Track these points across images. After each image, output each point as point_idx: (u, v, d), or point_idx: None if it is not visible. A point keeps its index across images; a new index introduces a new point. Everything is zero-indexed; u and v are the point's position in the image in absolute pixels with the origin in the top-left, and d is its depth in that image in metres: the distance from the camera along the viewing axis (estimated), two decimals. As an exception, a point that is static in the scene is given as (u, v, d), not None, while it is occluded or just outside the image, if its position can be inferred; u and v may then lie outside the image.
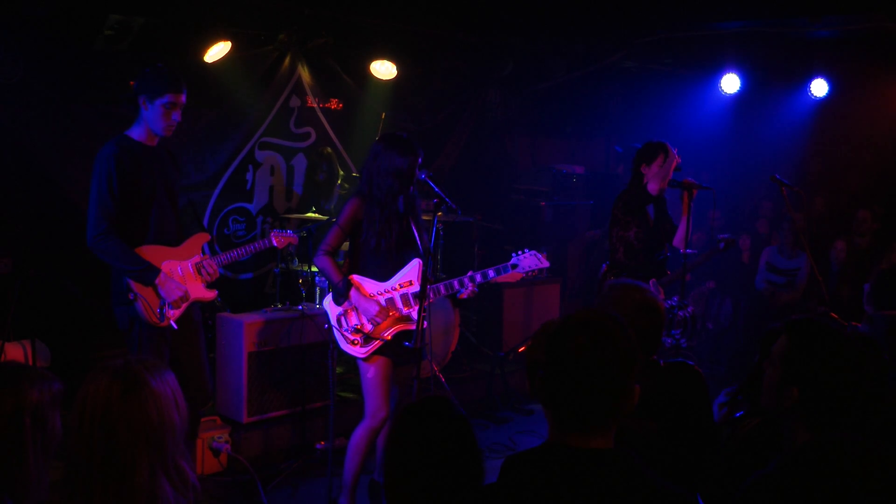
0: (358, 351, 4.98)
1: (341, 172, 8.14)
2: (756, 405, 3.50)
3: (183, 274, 4.93)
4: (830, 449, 1.99)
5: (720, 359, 8.92)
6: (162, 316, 4.74)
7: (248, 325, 6.24)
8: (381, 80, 8.50)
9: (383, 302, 4.97)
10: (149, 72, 4.77)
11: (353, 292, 4.96)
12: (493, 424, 7.38)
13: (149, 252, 4.80)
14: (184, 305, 4.84)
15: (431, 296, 4.84)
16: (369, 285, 5.01)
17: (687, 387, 3.34)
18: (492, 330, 8.49)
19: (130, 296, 4.70)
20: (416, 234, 5.07)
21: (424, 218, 5.36)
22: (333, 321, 5.06)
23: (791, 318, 2.75)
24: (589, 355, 2.15)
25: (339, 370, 6.94)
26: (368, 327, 4.96)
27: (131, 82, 4.80)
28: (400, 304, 4.98)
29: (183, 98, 4.80)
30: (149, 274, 4.71)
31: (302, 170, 8.43)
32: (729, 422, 3.49)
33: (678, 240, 6.44)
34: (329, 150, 8.22)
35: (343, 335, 5.02)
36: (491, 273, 4.94)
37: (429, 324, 5.86)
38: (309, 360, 6.44)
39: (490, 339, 8.44)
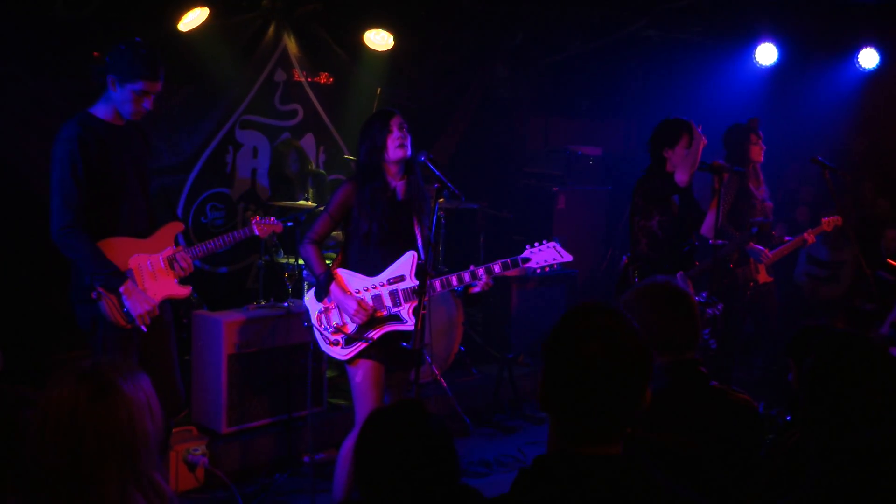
0: (339, 353, 4.97)
1: (310, 162, 8.13)
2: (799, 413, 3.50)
3: (153, 269, 4.90)
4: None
5: (755, 361, 8.90)
6: (129, 317, 4.72)
7: (228, 325, 6.23)
8: (377, 51, 8.48)
9: (368, 299, 4.95)
10: (124, 49, 4.67)
11: (333, 287, 4.94)
12: (501, 434, 7.37)
13: (115, 245, 4.76)
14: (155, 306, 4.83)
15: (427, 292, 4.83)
16: (355, 280, 4.99)
17: (738, 421, 3.32)
18: (499, 329, 8.48)
19: (94, 293, 4.65)
20: (417, 226, 5.07)
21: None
22: (314, 319, 5.06)
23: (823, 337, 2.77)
24: (597, 361, 2.15)
25: (330, 374, 6.95)
26: (350, 327, 4.95)
27: (95, 53, 4.76)
28: (388, 302, 4.96)
29: (159, 86, 4.74)
30: (114, 280, 4.65)
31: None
32: (775, 428, 3.51)
33: (707, 228, 6.43)
34: (296, 142, 8.23)
35: (323, 335, 5.02)
36: (497, 268, 4.91)
37: (429, 322, 5.86)
38: (296, 364, 6.44)
39: (497, 339, 8.43)
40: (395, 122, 4.98)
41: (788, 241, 7.12)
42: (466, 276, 4.91)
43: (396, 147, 4.96)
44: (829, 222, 6.92)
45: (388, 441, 2.42)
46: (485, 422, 7.54)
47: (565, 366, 2.19)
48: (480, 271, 4.90)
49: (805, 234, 7.01)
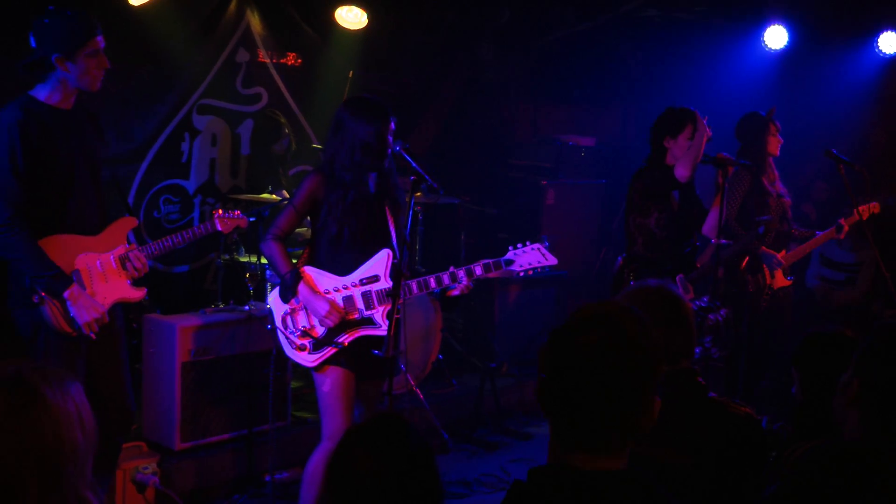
0: (306, 358, 4.97)
1: (294, 147, 8.12)
2: (805, 426, 3.50)
3: (103, 270, 4.88)
4: (836, 458, 2.06)
5: (762, 371, 8.93)
6: (76, 323, 4.68)
7: (183, 330, 6.19)
8: (349, 30, 8.48)
9: (339, 301, 4.95)
10: (48, 23, 4.63)
11: (301, 287, 4.93)
12: (483, 451, 7.38)
13: (59, 244, 4.73)
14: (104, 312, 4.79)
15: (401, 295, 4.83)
16: (325, 280, 4.99)
17: (738, 436, 3.33)
18: (481, 335, 8.48)
19: (35, 297, 4.62)
20: (391, 222, 5.06)
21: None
22: (278, 321, 5.05)
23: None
24: (598, 355, 2.16)
25: (295, 384, 6.92)
26: (319, 331, 4.95)
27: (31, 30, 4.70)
28: (360, 304, 4.97)
29: (102, 39, 4.72)
30: (58, 283, 4.63)
31: (250, 139, 8.41)
32: (777, 445, 3.51)
33: (709, 227, 6.44)
34: (283, 118, 8.19)
35: (289, 339, 5.01)
36: (478, 270, 4.93)
37: (403, 328, 5.85)
38: (257, 373, 6.41)
39: (479, 347, 8.43)
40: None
41: (818, 235, 7.17)
42: (445, 278, 4.92)
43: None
44: (865, 210, 6.92)
45: (367, 461, 2.40)
46: (465, 438, 7.54)
47: (561, 356, 2.21)
48: (461, 273, 4.91)
49: (841, 221, 7.06)
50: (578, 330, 2.20)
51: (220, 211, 5.49)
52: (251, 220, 6.29)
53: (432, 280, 4.94)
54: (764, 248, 6.95)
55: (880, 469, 2.15)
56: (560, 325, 2.26)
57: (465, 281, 4.92)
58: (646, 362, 2.19)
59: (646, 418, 2.20)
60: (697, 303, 6.43)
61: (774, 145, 7.17)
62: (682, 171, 6.09)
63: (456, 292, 5.01)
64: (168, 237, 5.10)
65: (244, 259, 7.10)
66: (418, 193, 5.11)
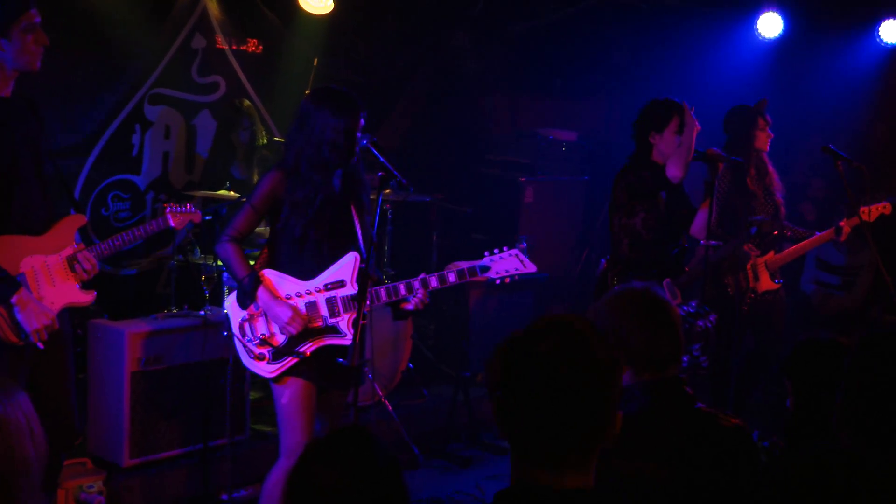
0: (264, 369, 4.95)
1: (263, 135, 8.09)
2: (796, 440, 3.51)
3: (51, 272, 4.85)
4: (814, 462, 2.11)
5: (753, 381, 8.97)
6: (22, 332, 4.64)
7: (132, 336, 6.15)
8: (314, 15, 8.46)
9: (302, 307, 4.94)
10: None
11: (261, 292, 4.91)
12: (456, 466, 7.37)
13: (4, 244, 4.70)
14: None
15: (368, 302, 4.81)
16: (286, 284, 4.97)
17: (728, 450, 3.33)
18: (454, 342, 8.47)
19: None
20: (357, 221, 5.05)
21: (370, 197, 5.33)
22: (235, 328, 5.03)
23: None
24: (554, 366, 2.17)
25: (255, 395, 6.91)
26: (279, 339, 4.93)
27: None
28: (324, 311, 4.95)
29: (38, 13, 4.68)
30: (3, 288, 4.59)
31: (208, 131, 8.38)
32: (768, 461, 3.52)
33: (698, 227, 6.44)
34: (248, 102, 8.17)
35: (246, 347, 4.99)
36: (451, 277, 4.93)
37: (370, 334, 5.84)
38: (213, 383, 6.39)
39: (452, 355, 8.42)
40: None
41: (817, 235, 7.18)
42: (416, 285, 4.91)
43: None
44: (872, 210, 6.93)
45: (329, 477, 2.38)
46: (437, 452, 7.53)
47: (518, 368, 2.23)
48: (433, 280, 4.90)
49: (842, 223, 7.05)
50: (533, 339, 2.23)
51: (172, 204, 5.45)
52: (207, 217, 6.27)
53: (402, 286, 4.93)
54: (749, 245, 6.97)
55: (877, 482, 2.17)
56: (511, 337, 2.28)
57: (420, 294, 4.90)
58: (605, 367, 2.21)
59: (609, 427, 2.22)
60: (685, 308, 6.46)
61: (763, 140, 7.19)
62: (674, 172, 6.09)
63: (409, 306, 5.00)
64: (118, 235, 5.07)
65: (199, 260, 7.06)
66: (387, 191, 5.12)
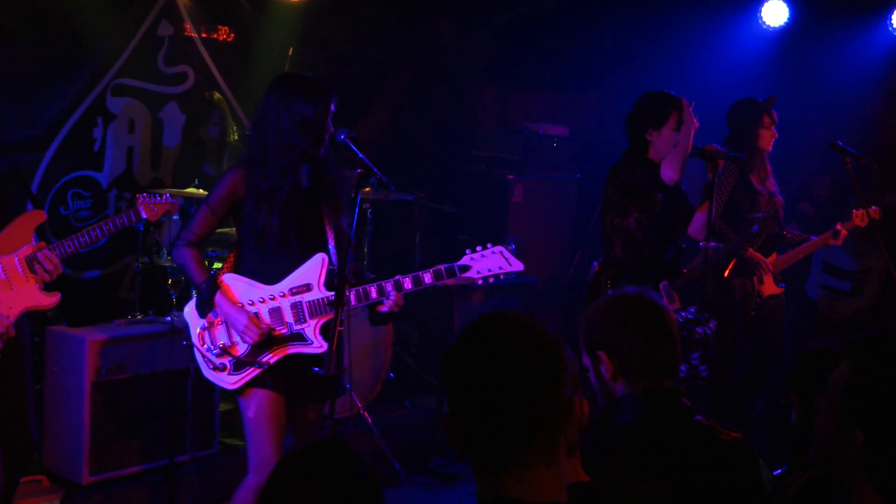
0: (225, 380, 4.94)
1: (234, 130, 8.07)
2: (803, 456, 3.49)
3: (7, 274, 4.84)
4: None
5: (754, 391, 8.98)
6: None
7: (93, 344, 6.14)
8: (289, 1, 8.49)
9: (265, 313, 4.92)
10: None
11: (218, 298, 4.89)
12: (439, 483, 7.37)
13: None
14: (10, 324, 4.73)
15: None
16: (249, 289, 4.96)
17: (728, 465, 3.32)
18: (438, 350, 8.43)
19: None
20: (327, 220, 5.02)
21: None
22: (194, 337, 5.01)
23: (854, 337, 2.75)
24: (493, 360, 2.17)
25: (224, 407, 6.89)
26: (241, 348, 4.91)
27: None
28: (289, 317, 4.93)
29: None
30: None
31: (175, 125, 8.37)
32: (771, 480, 3.50)
33: (696, 228, 6.44)
34: (218, 95, 8.15)
35: (206, 357, 4.98)
36: (427, 278, 4.90)
37: (348, 341, 5.81)
38: (180, 394, 6.35)
39: (435, 364, 8.36)
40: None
41: (813, 239, 7.18)
42: (388, 287, 4.87)
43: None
44: (860, 215, 6.96)
45: (303, 495, 2.39)
46: (419, 468, 7.51)
47: (454, 375, 2.23)
48: (407, 282, 4.86)
49: (838, 226, 7.05)
50: (469, 345, 2.24)
51: (145, 195, 5.40)
52: (175, 217, 6.24)
53: (373, 289, 4.91)
54: (752, 251, 6.96)
55: None
56: (451, 346, 2.28)
57: (393, 296, 4.87)
58: (550, 357, 2.20)
59: (567, 413, 2.20)
60: (683, 314, 6.45)
61: (766, 139, 7.19)
62: (669, 173, 6.08)
63: (384, 308, 4.97)
64: (84, 232, 5.06)
65: (165, 263, 7.03)
66: (366, 189, 5.09)
